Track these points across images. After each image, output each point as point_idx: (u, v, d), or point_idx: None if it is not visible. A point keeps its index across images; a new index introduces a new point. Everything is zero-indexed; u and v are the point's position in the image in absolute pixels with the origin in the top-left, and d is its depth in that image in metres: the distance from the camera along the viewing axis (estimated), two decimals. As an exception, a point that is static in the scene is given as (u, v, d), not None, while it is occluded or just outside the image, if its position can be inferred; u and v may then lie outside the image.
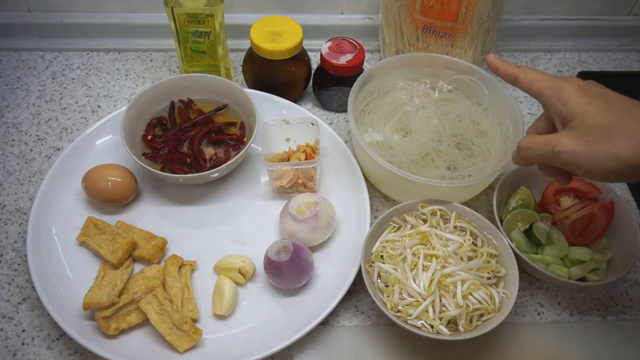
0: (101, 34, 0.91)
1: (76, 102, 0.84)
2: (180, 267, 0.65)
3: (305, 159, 0.70)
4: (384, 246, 0.63)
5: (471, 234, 0.64)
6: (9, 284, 0.65)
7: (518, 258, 0.61)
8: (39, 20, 0.89)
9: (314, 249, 0.67)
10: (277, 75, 0.80)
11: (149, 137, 0.73)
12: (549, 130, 0.53)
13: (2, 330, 0.62)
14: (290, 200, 0.68)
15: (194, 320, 0.61)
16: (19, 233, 0.70)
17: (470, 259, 0.61)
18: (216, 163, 0.71)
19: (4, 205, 0.72)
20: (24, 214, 0.71)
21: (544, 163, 0.51)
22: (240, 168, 0.75)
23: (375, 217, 0.68)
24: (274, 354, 0.59)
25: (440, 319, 0.57)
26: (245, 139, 0.74)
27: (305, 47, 0.81)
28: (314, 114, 0.80)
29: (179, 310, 0.61)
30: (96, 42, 0.91)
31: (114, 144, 0.74)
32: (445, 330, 0.57)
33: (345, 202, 0.71)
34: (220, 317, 0.62)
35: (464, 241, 0.61)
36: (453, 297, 0.58)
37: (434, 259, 0.60)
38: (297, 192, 0.72)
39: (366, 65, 0.84)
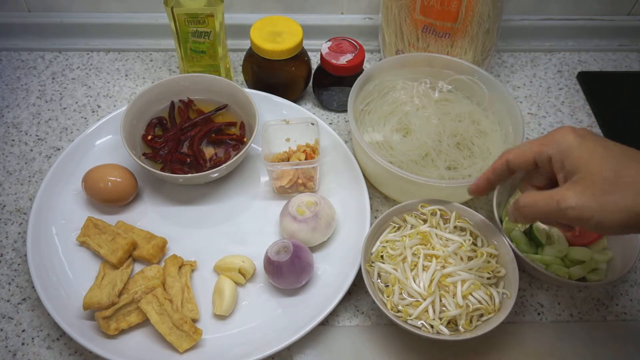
0: (101, 34, 0.91)
1: (76, 102, 0.84)
2: (180, 267, 0.65)
3: (305, 159, 0.70)
4: (384, 246, 0.63)
5: (471, 234, 0.64)
6: (9, 284, 0.65)
7: (518, 258, 0.61)
8: (39, 20, 0.89)
9: (314, 249, 0.67)
10: (277, 75, 0.80)
11: (149, 137, 0.73)
12: (547, 185, 0.51)
13: (2, 330, 0.62)
14: (290, 200, 0.68)
15: (194, 320, 0.61)
16: (19, 233, 0.70)
17: (470, 259, 0.61)
18: (216, 163, 0.71)
19: (4, 205, 0.72)
20: (24, 214, 0.71)
21: (548, 219, 0.48)
22: (240, 168, 0.75)
23: (375, 217, 0.68)
24: (274, 354, 0.59)
25: (440, 319, 0.57)
26: (245, 139, 0.74)
27: (305, 47, 0.81)
28: (314, 114, 0.80)
29: (179, 310, 0.61)
30: (96, 42, 0.91)
31: (114, 144, 0.74)
32: (445, 330, 0.57)
33: (345, 202, 0.71)
34: (220, 317, 0.62)
35: (464, 241, 0.61)
36: (453, 297, 0.58)
37: (434, 259, 0.60)
38: (297, 192, 0.72)
39: (366, 65, 0.84)
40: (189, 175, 0.67)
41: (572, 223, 0.46)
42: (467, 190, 0.56)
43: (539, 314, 0.65)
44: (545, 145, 0.48)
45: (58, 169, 0.71)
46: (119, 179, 0.68)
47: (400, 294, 0.59)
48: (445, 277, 0.58)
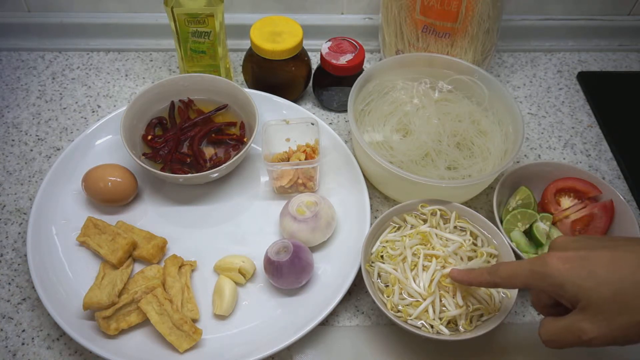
0: (101, 34, 0.91)
1: (76, 102, 0.84)
2: (180, 267, 0.65)
3: (305, 159, 0.70)
4: (384, 246, 0.63)
5: (471, 234, 0.64)
6: (9, 284, 0.65)
7: (518, 258, 0.61)
8: (39, 20, 0.89)
9: (314, 249, 0.67)
10: (277, 75, 0.80)
11: (149, 137, 0.73)
12: (554, 301, 0.50)
13: (2, 330, 0.62)
14: (290, 200, 0.68)
15: (194, 320, 0.61)
16: (19, 233, 0.70)
17: (470, 259, 0.61)
18: (216, 163, 0.71)
19: (4, 205, 0.72)
20: (24, 214, 0.71)
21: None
22: (240, 168, 0.75)
23: (375, 217, 0.68)
24: (274, 354, 0.59)
25: (440, 319, 0.57)
26: (245, 139, 0.74)
27: (305, 47, 0.81)
28: (314, 114, 0.80)
29: (179, 310, 0.61)
30: (96, 42, 0.91)
31: (114, 144, 0.74)
32: (445, 330, 0.57)
33: (345, 202, 0.71)
34: (220, 317, 0.62)
35: (464, 241, 0.61)
36: (453, 297, 0.58)
37: (434, 259, 0.60)
38: (297, 192, 0.72)
39: (366, 65, 0.84)
40: (189, 175, 0.67)
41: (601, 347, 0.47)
42: (451, 274, 0.57)
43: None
44: (534, 279, 0.48)
45: (58, 169, 0.71)
46: (119, 179, 0.68)
47: (400, 294, 0.59)
48: (445, 277, 0.58)
